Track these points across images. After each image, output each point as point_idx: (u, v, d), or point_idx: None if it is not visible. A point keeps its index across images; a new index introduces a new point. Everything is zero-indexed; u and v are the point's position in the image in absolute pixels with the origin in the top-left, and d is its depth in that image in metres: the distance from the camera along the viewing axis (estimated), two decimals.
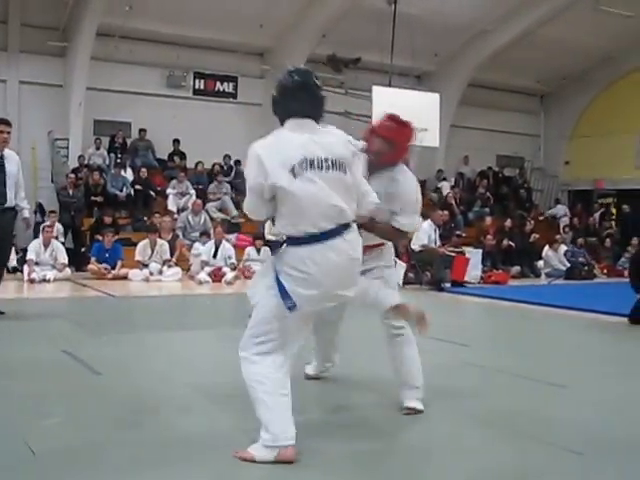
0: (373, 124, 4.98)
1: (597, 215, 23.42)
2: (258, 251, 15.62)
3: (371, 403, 5.18)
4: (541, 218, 23.09)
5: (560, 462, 3.98)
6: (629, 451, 4.21)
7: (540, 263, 18.22)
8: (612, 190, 24.64)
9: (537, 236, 19.14)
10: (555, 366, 6.82)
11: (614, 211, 24.40)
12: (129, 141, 19.36)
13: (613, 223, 23.39)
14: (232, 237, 16.77)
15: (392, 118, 4.92)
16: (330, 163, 3.91)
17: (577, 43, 21.99)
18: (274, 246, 4.06)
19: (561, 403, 5.36)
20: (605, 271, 19.28)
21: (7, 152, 8.93)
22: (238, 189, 19.37)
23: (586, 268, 18.40)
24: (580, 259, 18.68)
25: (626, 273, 17.33)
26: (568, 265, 18.11)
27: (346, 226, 3.95)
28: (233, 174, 19.74)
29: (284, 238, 3.94)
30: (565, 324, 10.32)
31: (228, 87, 20.70)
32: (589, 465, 3.95)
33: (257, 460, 3.82)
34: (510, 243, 18.13)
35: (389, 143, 4.77)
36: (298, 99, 4.05)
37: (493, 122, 24.01)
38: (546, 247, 18.31)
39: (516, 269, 17.65)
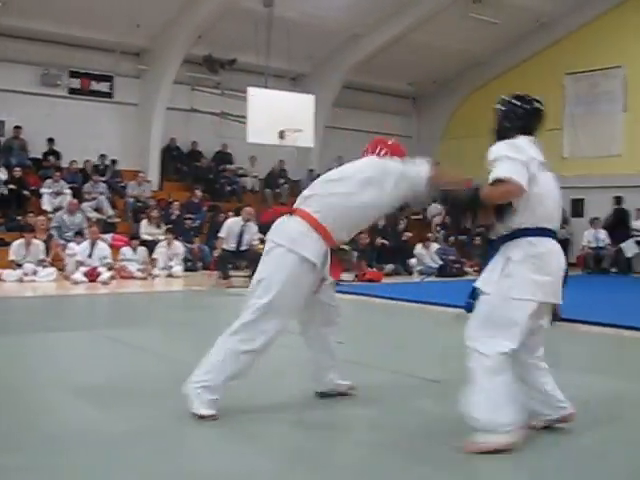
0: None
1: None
2: (134, 250, 15.59)
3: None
4: (415, 217, 23.67)
5: (439, 456, 4.13)
6: None
7: (413, 261, 18.67)
8: None
9: (410, 235, 19.64)
10: (429, 361, 7.02)
11: None
12: (2, 140, 18.89)
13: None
14: (108, 237, 16.61)
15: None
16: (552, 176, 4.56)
17: (448, 47, 22.71)
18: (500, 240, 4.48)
19: (435, 398, 5.52)
20: (475, 268, 19.84)
21: None
22: (114, 189, 19.21)
23: (457, 265, 18.97)
24: (451, 257, 19.20)
25: None
26: (440, 263, 18.63)
27: (556, 233, 4.53)
28: (109, 174, 19.55)
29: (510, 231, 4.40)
30: (438, 320, 10.59)
31: (104, 86, 20.40)
32: (468, 457, 4.10)
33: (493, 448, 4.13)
34: (384, 242, 18.55)
35: None
36: (533, 122, 4.70)
37: (367, 123, 24.34)
38: (418, 245, 18.79)
39: (390, 267, 18.06)
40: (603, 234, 20.65)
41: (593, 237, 20.80)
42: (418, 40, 21.84)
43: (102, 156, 19.68)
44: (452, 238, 20.18)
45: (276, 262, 4.76)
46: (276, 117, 17.43)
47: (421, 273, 18.09)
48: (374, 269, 17.12)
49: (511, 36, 23.12)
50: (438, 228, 21.49)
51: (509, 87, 22.72)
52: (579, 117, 23.20)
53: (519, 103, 4.75)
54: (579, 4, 22.31)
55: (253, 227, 14.69)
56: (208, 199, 19.97)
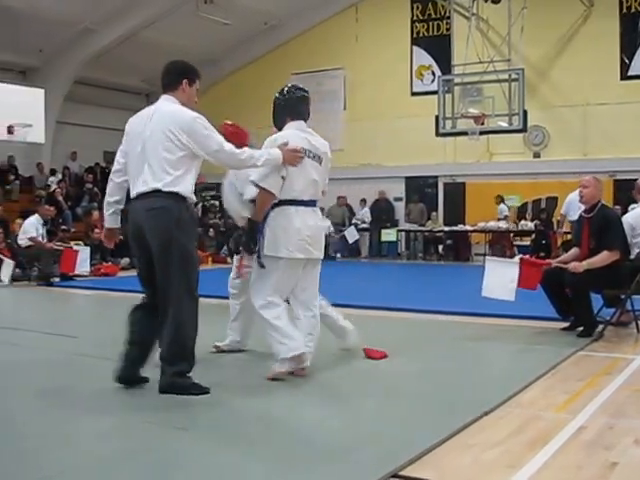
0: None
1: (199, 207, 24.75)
2: None
3: None
4: None
5: (167, 439, 4.37)
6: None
7: None
8: (213, 184, 26.10)
9: None
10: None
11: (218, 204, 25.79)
12: None
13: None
14: None
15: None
16: (313, 155, 5.87)
17: (180, 45, 22.84)
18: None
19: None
20: (210, 259, 20.42)
21: None
22: None
23: None
24: None
25: (229, 260, 18.75)
26: None
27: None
28: None
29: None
30: None
31: None
32: (192, 439, 4.34)
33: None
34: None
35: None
36: (300, 107, 6.01)
37: (101, 119, 24.21)
38: None
39: (125, 260, 18.05)
40: (328, 222, 22.09)
41: None
42: (151, 37, 22.05)
43: None
44: None
45: None
46: (3, 111, 17.10)
47: None
48: (110, 263, 17.24)
49: (242, 36, 24.01)
50: None
51: (242, 84, 23.80)
52: None
53: (289, 92, 6.02)
54: (303, 9, 23.63)
55: None
56: None
